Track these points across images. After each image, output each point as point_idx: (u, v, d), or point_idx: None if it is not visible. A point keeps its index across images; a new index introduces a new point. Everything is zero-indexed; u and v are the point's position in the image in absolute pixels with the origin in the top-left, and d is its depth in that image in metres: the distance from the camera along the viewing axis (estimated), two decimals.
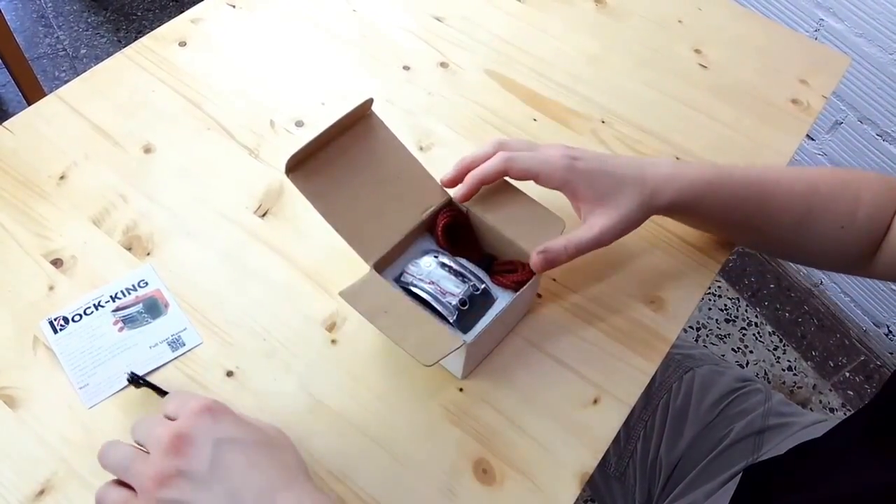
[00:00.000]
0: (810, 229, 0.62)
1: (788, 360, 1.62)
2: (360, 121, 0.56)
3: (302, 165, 0.53)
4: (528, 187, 0.60)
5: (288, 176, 0.52)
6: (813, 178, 0.63)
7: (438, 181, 0.60)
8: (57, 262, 0.64)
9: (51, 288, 0.62)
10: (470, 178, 0.57)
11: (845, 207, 0.62)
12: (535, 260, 0.56)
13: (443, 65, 0.83)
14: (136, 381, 0.56)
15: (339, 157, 0.55)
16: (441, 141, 0.75)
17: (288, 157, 0.52)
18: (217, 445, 0.44)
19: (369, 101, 0.55)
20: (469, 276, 0.57)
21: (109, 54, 0.80)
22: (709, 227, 0.67)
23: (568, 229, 0.58)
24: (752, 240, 0.69)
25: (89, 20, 2.10)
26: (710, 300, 1.70)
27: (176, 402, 0.47)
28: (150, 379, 0.57)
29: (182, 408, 0.46)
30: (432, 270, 0.56)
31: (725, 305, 1.69)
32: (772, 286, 1.68)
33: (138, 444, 0.47)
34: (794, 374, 1.60)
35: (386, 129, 0.57)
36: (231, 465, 0.44)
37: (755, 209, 0.62)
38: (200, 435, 0.44)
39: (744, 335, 1.65)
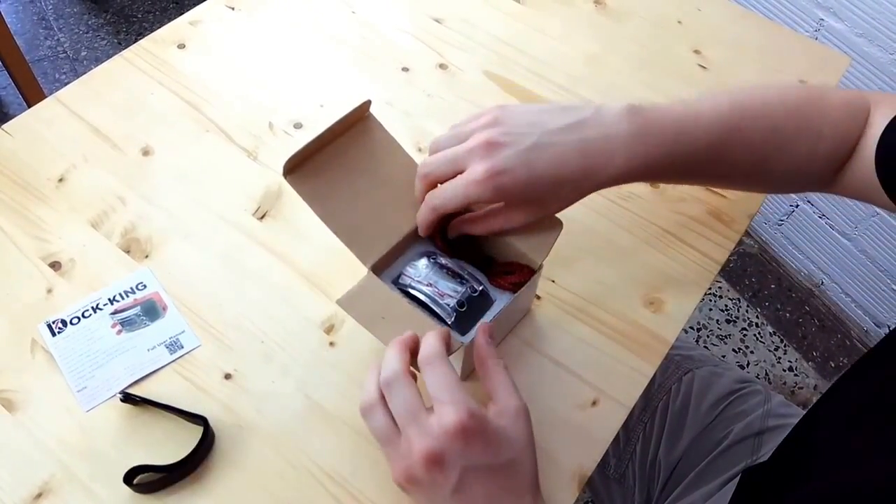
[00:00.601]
0: (770, 170, 0.61)
1: (789, 361, 1.62)
2: (358, 122, 0.56)
3: (300, 168, 0.53)
4: None
5: (286, 178, 0.51)
6: (772, 113, 0.59)
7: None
8: (55, 265, 0.64)
9: (49, 291, 0.62)
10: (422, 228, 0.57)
11: (806, 147, 0.59)
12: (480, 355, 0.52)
13: (442, 66, 0.82)
14: (129, 399, 0.56)
15: (337, 159, 0.54)
16: None
17: (286, 159, 0.52)
18: (463, 473, 0.44)
19: (367, 103, 0.55)
20: (467, 277, 0.57)
21: (110, 56, 0.80)
22: (666, 180, 0.65)
23: (566, 231, 0.57)
24: (709, 182, 0.69)
25: (90, 22, 2.10)
26: (710, 301, 1.70)
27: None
28: (147, 381, 0.57)
29: (438, 416, 0.45)
30: (430, 272, 0.56)
31: (726, 306, 1.69)
32: (773, 286, 1.68)
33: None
34: (796, 375, 1.60)
35: (384, 130, 0.57)
36: (471, 492, 0.45)
37: (712, 167, 0.59)
38: (451, 460, 0.44)
39: (744, 336, 1.65)
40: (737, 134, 0.58)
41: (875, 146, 0.57)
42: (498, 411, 0.47)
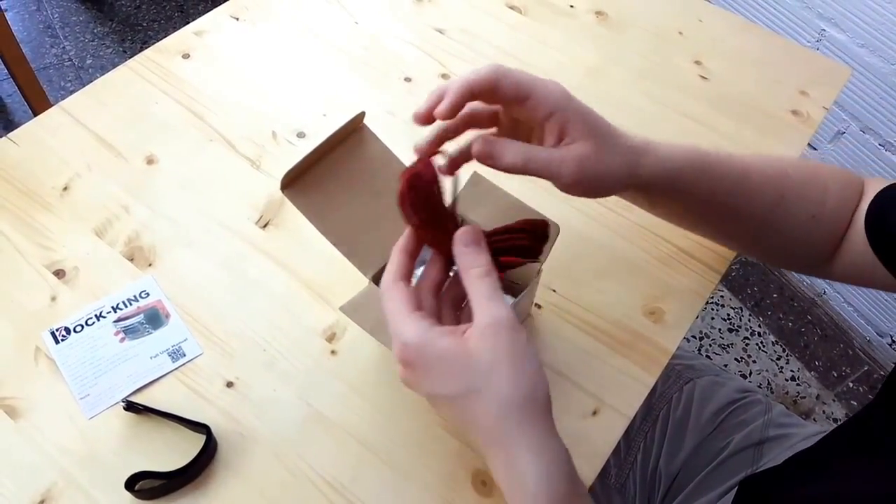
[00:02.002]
0: (783, 216, 0.60)
1: (792, 370, 1.62)
2: (352, 134, 0.56)
3: (297, 181, 0.53)
4: (519, 188, 0.60)
5: (284, 192, 0.52)
6: (783, 164, 0.61)
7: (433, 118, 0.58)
8: (59, 273, 0.64)
9: (53, 298, 0.63)
10: (455, 85, 0.48)
11: (815, 196, 0.60)
12: (476, 149, 0.49)
13: (444, 76, 0.83)
14: (132, 408, 0.56)
15: (333, 171, 0.55)
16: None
17: (285, 171, 0.53)
18: (427, 397, 0.45)
19: (361, 115, 0.56)
20: None
21: (115, 65, 0.81)
22: (683, 208, 0.61)
23: (562, 234, 0.56)
24: (723, 226, 0.64)
25: (95, 31, 2.11)
26: (713, 310, 1.70)
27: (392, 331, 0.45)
28: (150, 388, 0.57)
29: (394, 349, 0.44)
30: None
31: (728, 315, 1.69)
32: (775, 296, 1.67)
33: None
34: (798, 384, 1.60)
35: (378, 141, 0.58)
36: (446, 413, 0.45)
37: (732, 187, 0.58)
38: (413, 385, 0.45)
39: (747, 345, 1.65)
40: (751, 167, 0.59)
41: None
42: (470, 333, 0.42)
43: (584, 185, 0.51)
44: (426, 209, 0.46)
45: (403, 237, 0.47)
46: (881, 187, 0.60)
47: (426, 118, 0.49)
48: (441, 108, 0.48)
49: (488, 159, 0.49)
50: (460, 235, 0.45)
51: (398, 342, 0.43)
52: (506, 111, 0.54)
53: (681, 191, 0.57)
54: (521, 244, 0.48)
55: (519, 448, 0.41)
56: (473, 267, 0.44)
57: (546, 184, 0.73)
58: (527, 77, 0.50)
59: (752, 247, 0.67)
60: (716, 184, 0.57)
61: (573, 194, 0.53)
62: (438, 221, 0.47)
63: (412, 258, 0.47)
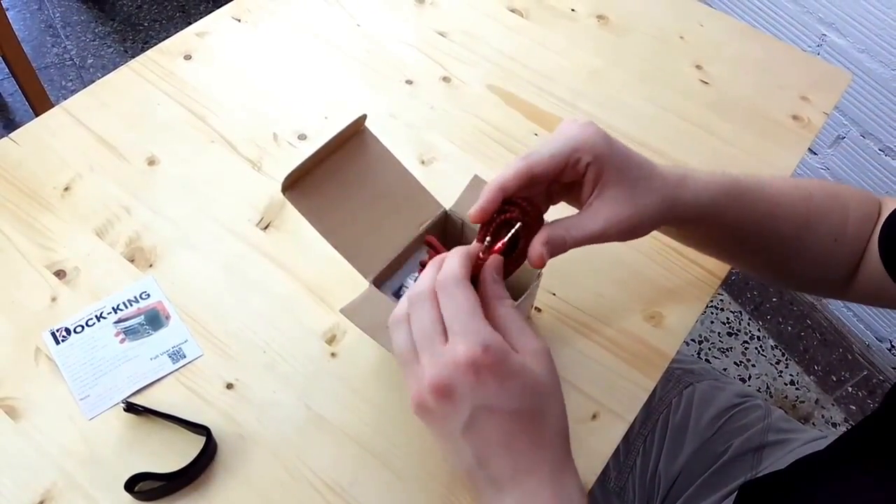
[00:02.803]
0: (808, 240, 0.60)
1: (791, 375, 1.62)
2: (353, 137, 0.57)
3: (298, 184, 0.53)
4: None
5: (285, 195, 0.52)
6: (805, 185, 0.61)
7: (433, 194, 0.60)
8: (60, 274, 0.64)
9: (53, 299, 0.63)
10: (487, 188, 0.48)
11: (837, 218, 0.60)
12: (536, 256, 0.48)
13: (445, 79, 0.83)
14: (132, 409, 0.56)
15: (334, 173, 0.55)
16: (443, 155, 0.76)
17: (287, 173, 0.53)
18: (475, 412, 0.41)
19: (362, 118, 0.56)
20: None
21: (116, 64, 0.81)
22: (716, 238, 0.61)
23: None
24: (753, 253, 0.63)
25: (97, 30, 2.11)
26: (712, 313, 1.70)
27: (449, 317, 0.42)
28: (150, 390, 0.57)
29: (451, 347, 0.41)
30: None
31: (728, 319, 1.69)
32: (774, 300, 1.68)
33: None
34: (797, 389, 1.60)
35: (380, 144, 0.58)
36: (484, 434, 0.41)
37: (764, 213, 0.57)
38: (460, 394, 0.40)
39: (746, 349, 1.65)
40: (779, 192, 0.58)
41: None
42: (523, 356, 0.42)
43: (629, 237, 0.52)
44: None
45: (473, 245, 0.47)
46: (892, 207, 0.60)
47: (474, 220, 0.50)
48: (473, 214, 0.48)
49: (544, 262, 0.49)
50: (493, 266, 0.46)
51: (479, 341, 0.40)
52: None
53: (714, 221, 0.56)
54: (521, 261, 0.50)
55: (567, 476, 0.43)
56: (503, 297, 0.45)
57: None
58: (556, 144, 0.49)
59: (779, 273, 0.65)
60: (747, 211, 0.56)
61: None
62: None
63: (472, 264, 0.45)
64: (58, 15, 2.15)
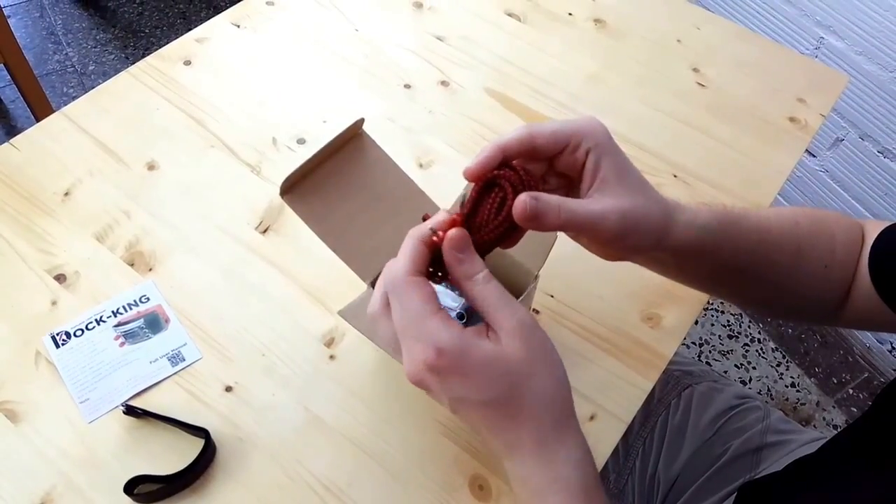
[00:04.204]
0: (801, 268, 0.58)
1: (791, 377, 1.61)
2: (351, 140, 0.57)
3: (296, 187, 0.53)
4: None
5: (283, 198, 0.52)
6: (788, 213, 0.59)
7: (431, 197, 0.60)
8: (60, 278, 0.65)
9: (53, 303, 0.63)
10: (488, 146, 0.46)
11: (825, 244, 0.59)
12: (520, 204, 0.43)
13: (443, 83, 0.84)
14: (132, 412, 0.57)
15: (332, 177, 0.55)
16: (441, 158, 0.76)
17: (285, 177, 0.53)
18: (451, 402, 0.41)
19: (360, 121, 0.56)
20: None
21: (117, 71, 0.81)
22: (710, 268, 0.57)
23: (560, 240, 0.57)
24: (744, 287, 0.61)
25: (98, 37, 2.12)
26: (713, 316, 1.70)
27: (402, 325, 0.41)
28: (149, 393, 0.58)
29: (410, 350, 0.41)
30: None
31: (728, 321, 1.69)
32: None
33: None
34: (798, 391, 1.60)
35: (377, 147, 0.58)
36: (468, 418, 0.42)
37: (757, 242, 0.56)
38: (434, 389, 0.41)
39: (747, 351, 1.65)
40: (769, 222, 0.57)
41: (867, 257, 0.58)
42: (494, 336, 0.41)
43: (623, 240, 0.47)
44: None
45: (422, 226, 0.43)
46: (881, 228, 0.59)
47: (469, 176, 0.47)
48: (470, 169, 0.45)
49: (532, 221, 0.44)
50: (450, 243, 0.42)
51: (432, 346, 0.40)
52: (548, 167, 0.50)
53: (708, 252, 0.53)
54: (506, 226, 0.44)
55: (557, 444, 0.42)
56: (473, 275, 0.42)
57: None
58: (560, 123, 0.47)
59: (772, 303, 0.64)
60: (742, 239, 0.55)
61: (606, 253, 0.50)
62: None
63: (431, 251, 0.43)
64: (59, 22, 2.16)
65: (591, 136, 0.47)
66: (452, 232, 0.42)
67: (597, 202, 0.46)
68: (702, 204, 0.53)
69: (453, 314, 0.55)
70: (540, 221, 0.44)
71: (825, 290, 0.60)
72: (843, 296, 0.61)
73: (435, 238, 0.43)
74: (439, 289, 0.56)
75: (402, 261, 0.42)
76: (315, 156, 0.54)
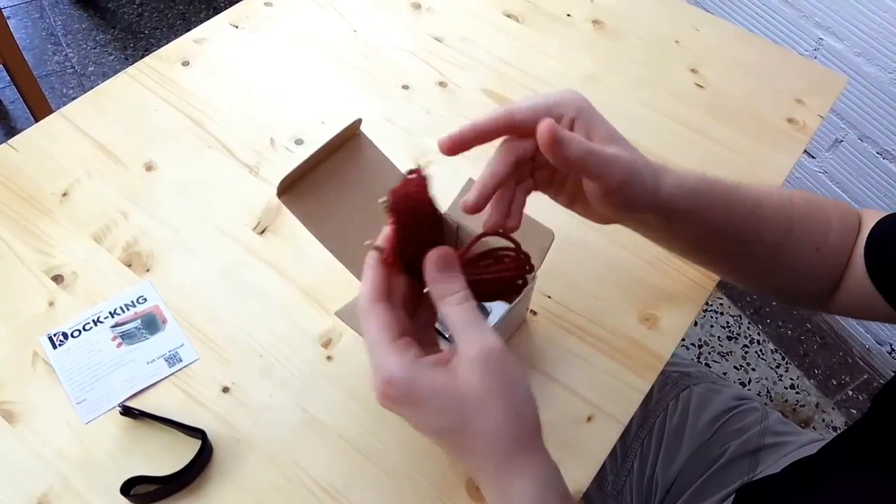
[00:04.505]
0: (791, 248, 0.59)
1: (791, 379, 1.61)
2: (349, 141, 0.57)
3: (294, 187, 0.53)
4: None
5: (280, 198, 0.52)
6: (786, 193, 0.61)
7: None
8: (57, 279, 0.65)
9: (51, 304, 0.63)
10: (466, 127, 0.47)
11: (819, 228, 0.60)
12: (545, 126, 0.43)
13: (441, 84, 0.84)
14: (129, 412, 0.56)
15: (329, 177, 0.55)
16: (439, 159, 0.76)
17: (285, 175, 0.53)
18: (414, 426, 0.42)
19: (357, 122, 0.56)
20: None
21: (117, 72, 0.81)
22: (700, 235, 0.58)
23: (558, 241, 0.57)
24: (734, 259, 0.62)
25: (98, 38, 2.12)
26: (712, 317, 1.70)
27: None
28: (146, 393, 0.58)
29: (372, 377, 0.41)
30: None
31: (727, 323, 1.69)
32: (774, 303, 1.68)
33: None
34: (797, 393, 1.60)
35: (375, 148, 0.58)
36: (435, 441, 0.42)
37: (747, 215, 0.56)
38: (398, 413, 0.41)
39: (746, 353, 1.64)
40: (761, 195, 0.58)
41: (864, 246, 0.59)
42: (455, 363, 0.40)
43: (624, 191, 0.48)
44: (413, 231, 0.43)
45: (375, 252, 0.44)
46: (878, 218, 0.59)
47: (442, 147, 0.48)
48: (442, 140, 0.47)
49: (555, 145, 0.44)
50: (432, 260, 0.42)
51: (382, 377, 0.40)
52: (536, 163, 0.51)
53: (698, 216, 0.54)
54: (505, 276, 0.45)
55: (511, 477, 0.40)
56: (449, 294, 0.41)
57: None
58: (540, 97, 0.48)
59: (763, 282, 0.65)
60: (731, 210, 0.55)
61: (602, 212, 0.50)
62: (426, 243, 0.43)
63: (389, 273, 0.43)
64: (59, 23, 2.16)
65: (572, 104, 0.47)
66: (437, 249, 0.42)
67: (612, 149, 0.47)
68: (690, 170, 0.53)
69: None
70: (562, 147, 0.43)
71: (816, 274, 0.60)
72: (835, 282, 0.61)
73: (382, 256, 0.43)
74: None
75: (363, 287, 0.42)
76: (312, 156, 0.54)
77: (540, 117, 0.44)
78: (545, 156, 0.44)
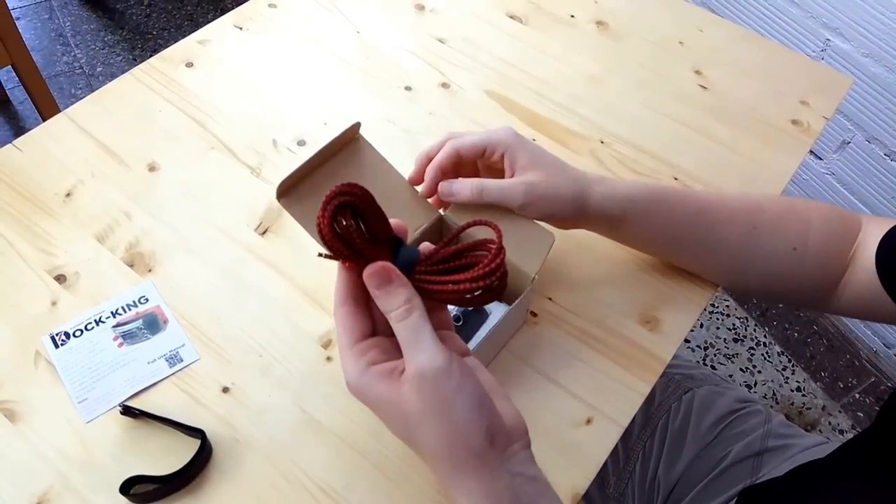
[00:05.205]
0: (759, 247, 0.62)
1: (797, 381, 1.60)
2: (348, 144, 0.57)
3: (293, 190, 0.54)
4: None
5: (279, 201, 0.53)
6: (756, 199, 0.65)
7: (429, 200, 0.61)
8: (60, 278, 0.65)
9: (53, 303, 0.63)
10: (428, 172, 0.60)
11: (795, 228, 0.62)
12: (440, 190, 0.59)
13: (444, 85, 0.84)
14: (129, 412, 0.57)
15: (329, 180, 0.56)
16: None
17: (284, 178, 0.53)
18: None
19: (356, 125, 0.56)
20: None
21: (125, 72, 0.82)
22: (643, 237, 0.64)
23: (558, 243, 0.58)
24: (698, 258, 0.65)
25: (106, 39, 2.14)
26: (718, 319, 1.69)
27: None
28: (147, 393, 0.58)
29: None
30: None
31: (734, 325, 1.68)
32: (780, 305, 1.67)
33: None
34: (803, 395, 1.59)
35: (374, 151, 0.58)
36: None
37: (695, 218, 0.62)
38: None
39: (752, 355, 1.64)
40: (718, 202, 0.63)
41: (875, 247, 0.60)
42: (403, 377, 0.40)
43: (535, 206, 0.58)
44: (347, 237, 0.40)
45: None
46: (884, 226, 0.61)
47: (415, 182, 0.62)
48: (423, 192, 0.61)
49: (450, 197, 0.59)
50: (368, 278, 0.41)
51: (345, 379, 0.42)
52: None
53: (634, 220, 0.61)
54: (462, 288, 0.41)
55: (456, 492, 0.41)
56: (391, 311, 0.40)
57: None
58: (477, 135, 0.60)
59: (734, 278, 0.67)
60: (673, 214, 0.62)
61: (531, 216, 0.59)
62: (366, 249, 0.41)
63: (355, 275, 0.43)
64: (68, 24, 2.18)
65: (501, 142, 0.59)
66: (371, 266, 0.41)
67: (507, 180, 0.59)
68: (637, 181, 0.63)
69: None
70: (457, 195, 0.59)
71: (797, 273, 0.63)
72: (827, 283, 0.63)
73: (345, 263, 0.43)
74: None
75: (335, 291, 0.44)
76: (311, 159, 0.54)
77: (479, 152, 0.60)
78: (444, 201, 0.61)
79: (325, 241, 0.40)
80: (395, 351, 0.42)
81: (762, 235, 0.62)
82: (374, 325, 0.43)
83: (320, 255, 0.43)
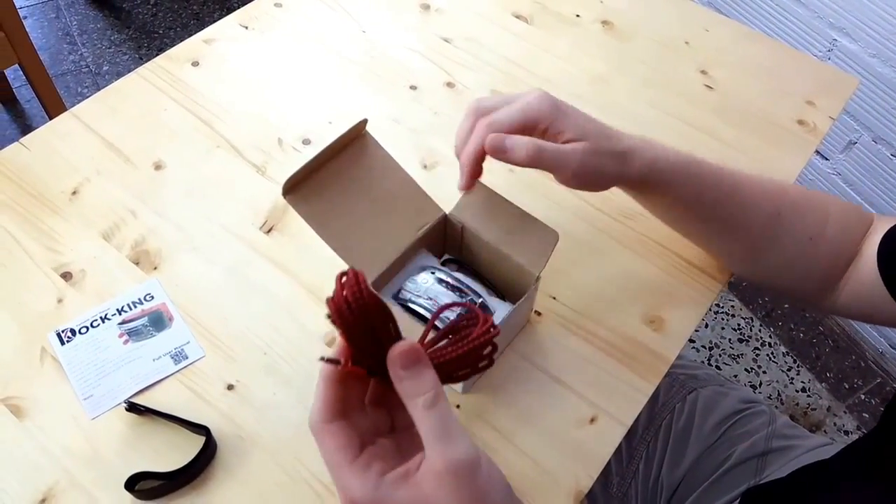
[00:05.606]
0: (778, 233, 0.62)
1: (802, 382, 1.60)
2: (354, 141, 0.57)
3: (299, 187, 0.54)
4: (519, 196, 0.60)
5: (285, 198, 0.53)
6: (782, 184, 0.64)
7: (435, 198, 0.61)
8: (66, 276, 0.65)
9: (59, 300, 0.64)
10: (464, 163, 0.55)
11: (814, 218, 0.62)
12: (489, 144, 0.53)
13: (449, 85, 0.84)
14: (134, 409, 0.57)
15: (335, 177, 0.56)
16: (445, 160, 0.76)
17: (290, 175, 0.54)
18: None
19: (363, 122, 0.56)
20: (467, 290, 0.57)
21: (131, 71, 0.82)
22: (673, 209, 0.64)
23: (562, 242, 0.58)
24: (721, 236, 0.64)
25: (112, 38, 2.14)
26: (723, 319, 1.69)
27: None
28: (152, 390, 0.58)
29: (340, 497, 0.38)
30: (430, 286, 0.57)
31: (739, 325, 1.68)
32: (786, 306, 1.66)
33: None
34: (808, 396, 1.58)
35: (381, 148, 0.58)
36: None
37: (726, 197, 0.60)
38: None
39: (757, 355, 1.63)
40: (748, 180, 0.61)
41: (878, 244, 0.59)
42: (421, 477, 0.36)
43: (583, 178, 0.56)
44: (364, 335, 0.38)
45: (327, 366, 0.39)
46: (891, 224, 0.60)
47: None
48: (461, 185, 0.56)
49: (501, 153, 0.53)
50: (394, 359, 0.37)
51: (346, 499, 0.37)
52: None
53: (669, 191, 0.60)
54: (470, 347, 0.38)
55: None
56: (419, 395, 0.36)
57: (546, 191, 0.73)
58: (513, 114, 0.54)
59: (749, 264, 0.67)
60: (705, 190, 0.60)
61: (571, 186, 0.57)
62: (376, 344, 0.38)
63: (345, 387, 0.39)
64: (75, 23, 2.18)
65: (542, 116, 0.55)
66: (400, 345, 0.37)
67: (566, 146, 0.54)
68: (674, 151, 0.59)
69: (454, 315, 0.55)
70: (511, 151, 0.52)
71: (811, 265, 0.63)
72: (832, 277, 0.63)
73: (341, 368, 0.38)
74: (440, 289, 0.57)
75: (315, 405, 0.39)
76: (318, 156, 0.54)
77: (517, 131, 0.54)
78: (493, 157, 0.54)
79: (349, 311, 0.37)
80: (393, 452, 0.39)
81: (783, 222, 0.61)
82: (361, 435, 0.39)
83: (322, 359, 0.39)
